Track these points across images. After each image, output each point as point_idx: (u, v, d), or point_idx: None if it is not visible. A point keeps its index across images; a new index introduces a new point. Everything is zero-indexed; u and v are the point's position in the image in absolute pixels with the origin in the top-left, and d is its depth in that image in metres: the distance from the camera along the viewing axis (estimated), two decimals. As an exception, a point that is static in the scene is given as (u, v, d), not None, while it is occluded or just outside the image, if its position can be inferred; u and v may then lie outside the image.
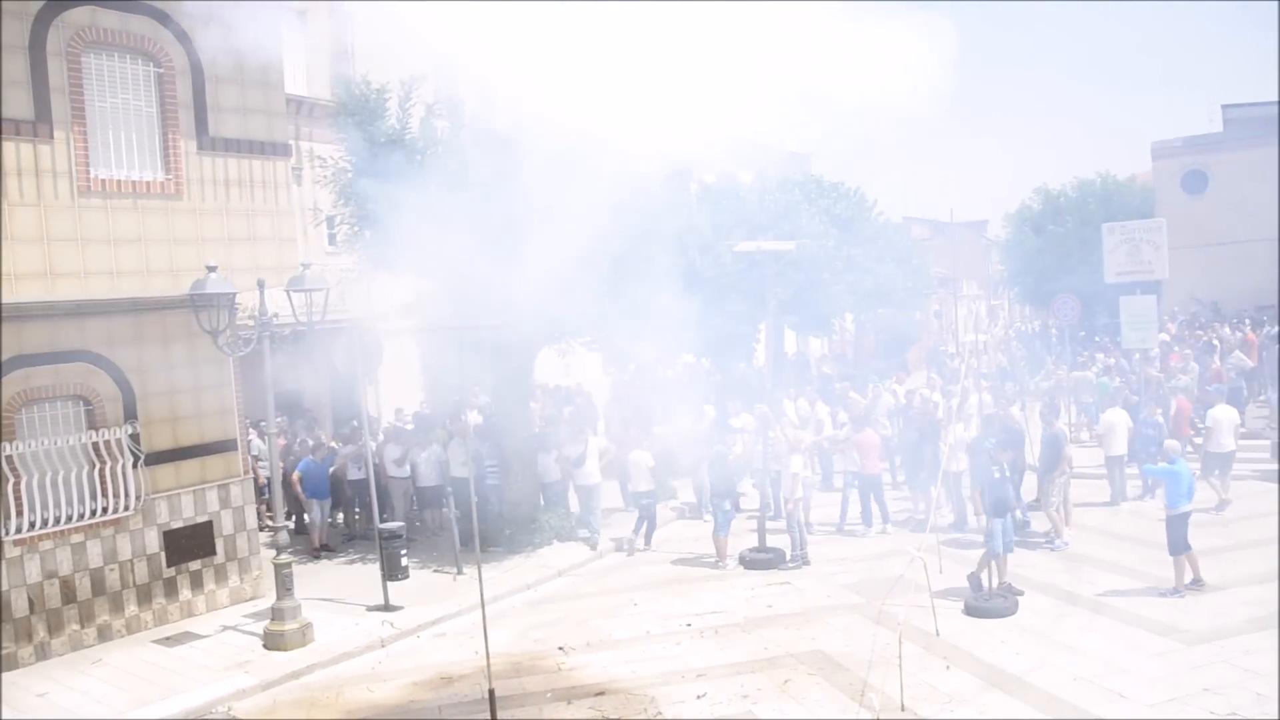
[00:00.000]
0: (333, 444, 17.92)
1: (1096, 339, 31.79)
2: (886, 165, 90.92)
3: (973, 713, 9.55)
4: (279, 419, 15.41)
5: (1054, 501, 14.93)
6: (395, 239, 14.36)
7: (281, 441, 18.27)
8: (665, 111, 12.44)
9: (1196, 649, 10.67)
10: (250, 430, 16.88)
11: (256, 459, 16.66)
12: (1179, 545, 12.32)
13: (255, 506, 14.51)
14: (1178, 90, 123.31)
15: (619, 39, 12.20)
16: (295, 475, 16.13)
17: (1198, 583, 12.36)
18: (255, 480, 15.39)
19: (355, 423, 19.51)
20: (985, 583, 12.48)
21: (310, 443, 17.23)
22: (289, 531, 12.66)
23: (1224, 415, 16.69)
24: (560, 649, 11.80)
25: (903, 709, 9.52)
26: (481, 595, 9.00)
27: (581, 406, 23.65)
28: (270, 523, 13.51)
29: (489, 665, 8.84)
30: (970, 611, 12.11)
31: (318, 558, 16.06)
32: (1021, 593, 12.61)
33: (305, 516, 16.80)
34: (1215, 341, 25.48)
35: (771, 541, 15.20)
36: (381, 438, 17.95)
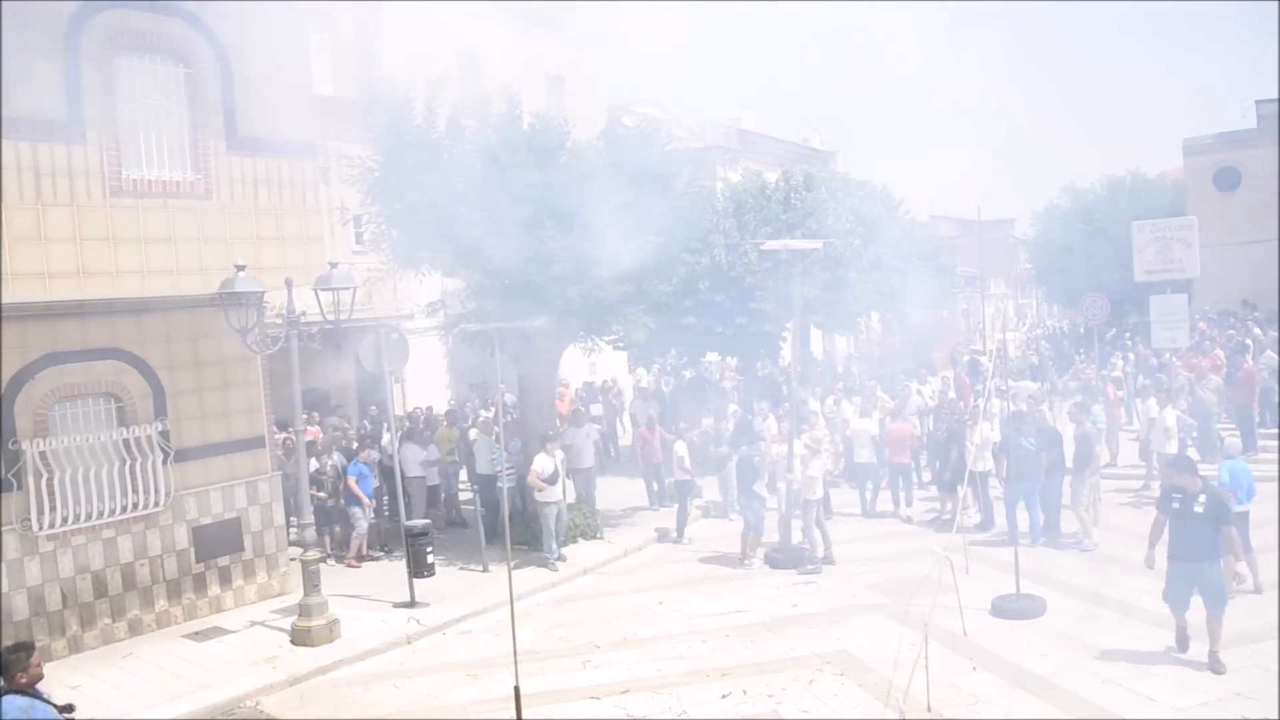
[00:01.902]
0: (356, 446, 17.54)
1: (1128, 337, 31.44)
2: (913, 162, 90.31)
3: (999, 714, 9.48)
4: (307, 414, 15.43)
5: (1084, 502, 14.85)
6: (421, 237, 14.45)
7: (316, 434, 18.29)
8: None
9: (1228, 652, 10.50)
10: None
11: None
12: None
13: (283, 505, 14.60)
14: (1210, 85, 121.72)
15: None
16: (352, 479, 15.42)
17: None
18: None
19: (368, 424, 19.60)
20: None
21: (355, 443, 16.80)
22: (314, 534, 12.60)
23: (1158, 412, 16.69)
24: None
25: (929, 710, 9.47)
26: (510, 592, 9.03)
27: (610, 404, 23.80)
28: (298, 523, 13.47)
29: (516, 662, 8.86)
30: (997, 613, 12.02)
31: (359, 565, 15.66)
32: (1222, 670, 10.09)
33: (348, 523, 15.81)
34: (1248, 341, 25.12)
35: (796, 541, 15.18)
36: (400, 437, 17.96)
